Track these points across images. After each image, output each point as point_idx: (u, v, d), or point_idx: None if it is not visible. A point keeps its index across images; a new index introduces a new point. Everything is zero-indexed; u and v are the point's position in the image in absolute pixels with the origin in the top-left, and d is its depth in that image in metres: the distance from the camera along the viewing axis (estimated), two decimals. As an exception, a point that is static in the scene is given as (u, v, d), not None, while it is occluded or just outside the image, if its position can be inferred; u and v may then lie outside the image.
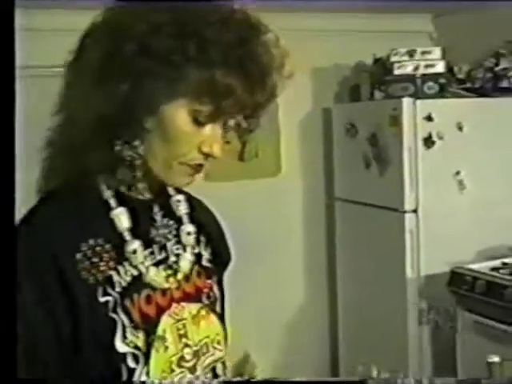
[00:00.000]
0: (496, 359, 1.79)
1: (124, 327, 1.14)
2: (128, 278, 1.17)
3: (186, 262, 1.28)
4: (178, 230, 1.29)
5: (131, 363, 1.14)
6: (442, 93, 3.74)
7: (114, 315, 1.14)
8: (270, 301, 4.31)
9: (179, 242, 1.28)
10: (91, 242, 1.14)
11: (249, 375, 4.25)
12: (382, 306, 3.89)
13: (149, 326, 1.17)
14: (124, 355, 1.13)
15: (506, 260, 3.45)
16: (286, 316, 4.47)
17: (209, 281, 1.35)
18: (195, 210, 1.37)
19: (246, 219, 4.21)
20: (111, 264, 1.16)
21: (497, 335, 3.04)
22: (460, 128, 3.64)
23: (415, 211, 3.64)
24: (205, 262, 1.35)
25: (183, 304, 1.24)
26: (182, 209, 1.33)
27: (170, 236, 1.27)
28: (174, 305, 1.22)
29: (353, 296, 4.25)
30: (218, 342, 1.30)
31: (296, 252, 4.51)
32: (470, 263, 3.46)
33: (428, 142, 3.61)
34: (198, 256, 1.33)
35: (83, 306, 1.11)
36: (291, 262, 4.48)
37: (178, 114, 1.12)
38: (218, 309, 1.37)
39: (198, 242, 1.34)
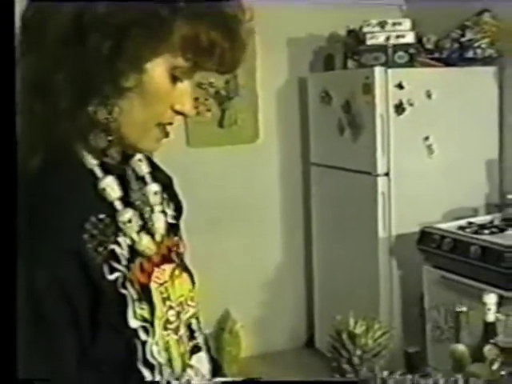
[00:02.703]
0: (463, 308, 2.00)
1: (133, 301, 1.10)
2: (126, 250, 1.12)
3: (160, 222, 1.22)
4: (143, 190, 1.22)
5: (143, 336, 1.11)
6: (411, 62, 3.91)
7: (123, 291, 1.10)
8: (249, 260, 4.53)
9: (147, 202, 1.21)
10: (93, 219, 1.08)
11: (229, 330, 4.44)
12: (355, 264, 4.09)
13: (147, 296, 1.13)
14: (135, 330, 1.11)
15: (472, 220, 3.64)
16: (265, 274, 4.66)
17: (176, 238, 1.28)
18: (155, 168, 1.29)
19: (225, 183, 4.40)
20: (112, 238, 1.10)
21: (462, 289, 3.23)
22: (429, 96, 3.81)
23: (387, 174, 3.82)
24: (170, 219, 1.28)
25: (162, 267, 1.19)
26: (144, 168, 1.25)
27: (144, 198, 1.21)
28: (156, 269, 1.17)
29: (327, 255, 4.44)
30: (192, 299, 1.26)
31: (274, 214, 4.68)
32: (439, 223, 3.66)
33: (399, 108, 3.78)
34: (164, 214, 1.25)
35: (98, 288, 1.06)
36: (269, 223, 4.66)
37: (158, 70, 1.07)
38: (185, 265, 1.30)
39: (162, 199, 1.26)
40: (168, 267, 1.21)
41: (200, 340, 1.26)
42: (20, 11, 1.05)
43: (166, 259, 1.21)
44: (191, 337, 1.24)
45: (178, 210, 1.34)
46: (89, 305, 1.05)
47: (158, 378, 1.13)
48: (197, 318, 1.26)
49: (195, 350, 1.24)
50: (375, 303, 3.88)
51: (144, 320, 1.12)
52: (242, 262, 4.49)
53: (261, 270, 4.63)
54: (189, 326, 1.23)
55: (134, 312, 1.10)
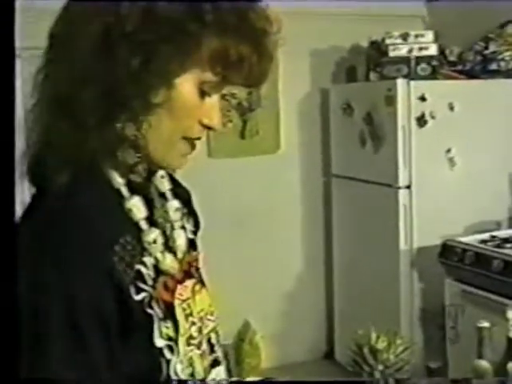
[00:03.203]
0: (486, 324, 1.98)
1: (159, 320, 1.10)
2: (152, 270, 1.11)
3: (181, 239, 1.21)
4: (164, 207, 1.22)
5: (168, 355, 1.11)
6: (434, 74, 3.91)
7: (150, 310, 1.09)
8: (269, 270, 4.52)
9: (168, 219, 1.21)
10: (121, 240, 1.07)
11: (249, 341, 4.44)
12: (376, 276, 4.07)
13: (171, 314, 1.13)
14: (161, 349, 1.10)
15: (494, 233, 3.61)
16: (285, 284, 4.66)
17: (195, 253, 1.28)
18: (176, 185, 1.29)
19: (246, 193, 4.40)
20: (138, 258, 1.09)
21: (483, 303, 3.22)
22: (451, 108, 3.79)
23: (408, 187, 3.80)
24: (190, 235, 1.27)
25: (185, 284, 1.19)
26: (166, 185, 1.24)
27: (165, 216, 1.20)
28: (179, 286, 1.16)
29: (348, 266, 4.43)
30: (211, 313, 1.26)
31: (294, 225, 4.68)
32: (460, 236, 3.63)
33: (421, 121, 3.77)
34: (184, 230, 1.24)
35: (126, 308, 1.06)
36: (290, 235, 4.65)
37: (187, 85, 1.06)
38: (203, 279, 1.29)
39: (182, 215, 1.25)
40: (189, 283, 1.21)
41: (219, 354, 1.26)
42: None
43: (187, 275, 1.21)
44: (211, 351, 1.24)
45: (196, 224, 1.33)
46: (119, 325, 1.04)
47: None
48: (216, 332, 1.26)
49: (215, 363, 1.24)
50: (396, 315, 3.86)
51: (169, 339, 1.11)
52: (263, 272, 4.49)
53: (281, 281, 4.62)
54: (208, 340, 1.23)
55: (160, 331, 1.10)
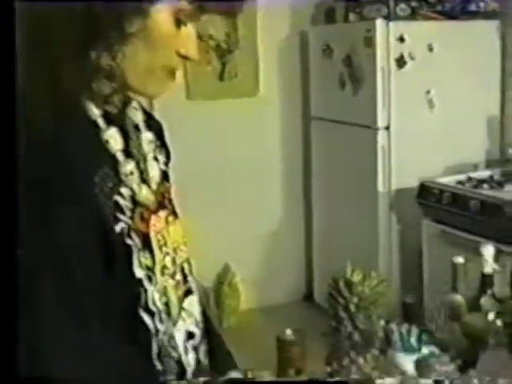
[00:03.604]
0: (461, 260, 2.01)
1: (138, 251, 1.13)
2: (129, 201, 1.13)
3: (154, 170, 1.23)
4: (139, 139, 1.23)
5: (147, 284, 1.14)
6: (413, 15, 3.87)
7: (129, 241, 1.11)
8: (249, 215, 4.53)
9: (142, 151, 1.22)
10: (100, 172, 1.08)
11: (228, 283, 4.47)
12: (355, 219, 4.11)
13: (148, 244, 1.15)
14: (140, 279, 1.13)
15: (471, 174, 3.64)
16: (265, 229, 4.67)
17: (167, 184, 1.29)
18: (148, 116, 1.29)
19: (225, 136, 4.38)
20: (116, 189, 1.11)
21: (460, 243, 3.25)
22: (430, 49, 3.78)
23: (387, 128, 3.81)
24: (162, 166, 1.28)
25: (159, 214, 1.21)
26: (140, 116, 1.25)
27: (139, 147, 1.21)
28: (153, 216, 1.18)
29: (327, 210, 4.45)
30: (184, 244, 1.27)
31: (274, 168, 4.68)
32: (439, 178, 3.66)
33: (400, 62, 3.75)
34: (157, 161, 1.26)
35: (108, 240, 1.08)
36: (269, 177, 4.66)
37: (162, 14, 1.06)
38: (176, 211, 1.30)
39: (155, 147, 1.27)
40: (163, 214, 1.22)
41: (192, 284, 1.28)
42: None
43: (161, 206, 1.23)
44: (184, 281, 1.26)
45: (168, 156, 1.33)
46: (101, 257, 1.06)
47: (158, 325, 1.16)
48: (189, 263, 1.28)
49: (188, 293, 1.26)
50: (374, 257, 3.89)
51: (147, 268, 1.14)
52: (243, 216, 4.49)
53: (261, 224, 4.63)
54: (181, 271, 1.25)
55: (139, 261, 1.12)
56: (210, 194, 4.30)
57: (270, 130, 4.61)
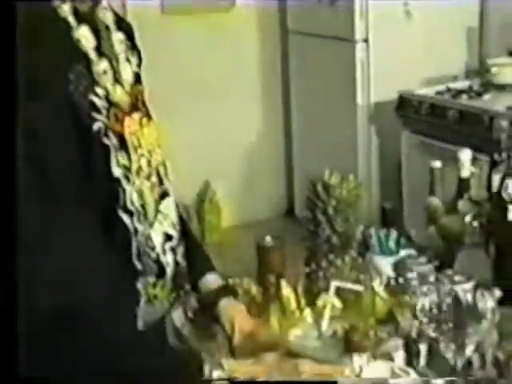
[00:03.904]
0: (438, 164, 2.02)
1: (116, 150, 1.15)
2: (104, 101, 1.16)
3: (127, 71, 1.25)
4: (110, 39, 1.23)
5: (124, 184, 1.17)
6: None
7: (106, 141, 1.14)
8: (228, 130, 4.48)
9: (113, 51, 1.23)
10: (74, 69, 1.10)
11: (209, 200, 4.48)
12: (334, 132, 4.08)
13: (124, 146, 1.18)
14: (118, 178, 1.16)
15: (451, 85, 3.62)
16: (245, 145, 4.65)
17: (140, 87, 1.30)
18: (118, 18, 1.29)
19: (203, 51, 4.31)
20: (91, 89, 1.13)
21: (439, 153, 3.25)
22: (409, -42, 3.71)
23: (365, 41, 3.76)
24: (135, 68, 1.29)
25: (133, 116, 1.23)
26: (110, 17, 1.24)
27: (112, 49, 1.22)
28: (127, 118, 1.21)
29: (306, 124, 4.42)
30: (159, 147, 1.30)
31: (253, 82, 4.62)
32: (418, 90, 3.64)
33: (377, -29, 3.68)
34: (129, 63, 1.27)
35: (86, 139, 1.10)
36: (248, 92, 4.60)
37: None
38: (150, 113, 1.32)
39: (126, 48, 1.28)
40: (137, 116, 1.25)
41: (168, 186, 1.30)
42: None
43: (134, 108, 1.25)
44: (160, 183, 1.27)
45: (140, 58, 1.34)
46: (80, 156, 1.09)
47: (136, 224, 1.19)
48: (164, 165, 1.30)
49: (164, 196, 1.28)
50: (354, 170, 3.88)
51: (125, 168, 1.17)
52: (222, 131, 4.45)
53: (241, 139, 4.60)
54: (157, 173, 1.27)
55: (117, 160, 1.16)
56: (185, 109, 4.25)
57: (247, 43, 4.53)
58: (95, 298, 1.05)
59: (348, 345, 1.21)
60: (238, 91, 4.53)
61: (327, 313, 1.24)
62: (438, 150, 3.27)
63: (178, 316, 1.72)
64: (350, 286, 1.35)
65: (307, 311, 1.33)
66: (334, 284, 1.28)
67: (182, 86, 4.22)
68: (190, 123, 4.23)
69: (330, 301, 1.26)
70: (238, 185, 4.65)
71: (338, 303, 1.27)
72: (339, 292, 1.35)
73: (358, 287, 1.41)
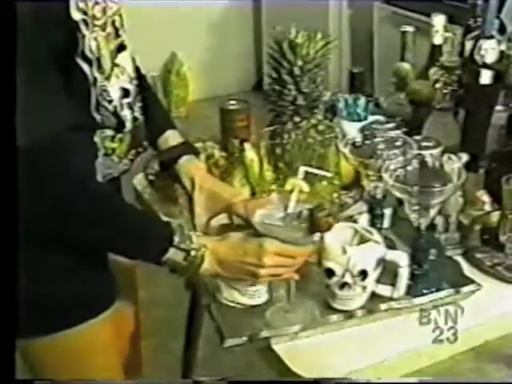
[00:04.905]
0: (409, 29, 1.95)
1: None
2: None
3: None
4: None
5: (83, 30, 1.11)
6: None
7: None
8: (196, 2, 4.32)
9: None
10: None
11: (176, 72, 4.37)
12: (305, 6, 3.93)
13: None
14: (77, 23, 1.10)
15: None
16: (212, 16, 4.52)
17: None
18: None
19: None
20: None
21: (412, 23, 3.16)
22: None
23: None
24: None
25: None
26: None
27: None
28: None
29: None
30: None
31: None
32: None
33: None
34: None
35: None
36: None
37: None
38: None
39: None
40: None
41: (125, 38, 1.23)
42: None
43: None
44: (116, 35, 1.21)
45: None
46: None
47: (95, 73, 1.14)
48: (120, 16, 1.23)
49: (120, 48, 1.21)
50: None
51: (84, 13, 1.10)
52: (189, 3, 4.28)
53: (208, 12, 4.46)
54: (113, 24, 1.20)
55: (76, 4, 1.09)
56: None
57: None
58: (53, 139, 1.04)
59: (313, 225, 1.18)
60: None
61: (294, 195, 1.20)
62: (410, 20, 3.17)
63: (138, 180, 1.69)
64: (318, 171, 1.31)
65: (274, 194, 1.29)
66: (302, 169, 1.24)
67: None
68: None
69: (297, 184, 1.22)
70: (205, 56, 4.54)
71: (305, 187, 1.23)
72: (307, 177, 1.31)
73: (327, 173, 1.37)
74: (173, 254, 1.14)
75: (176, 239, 1.13)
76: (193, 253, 1.14)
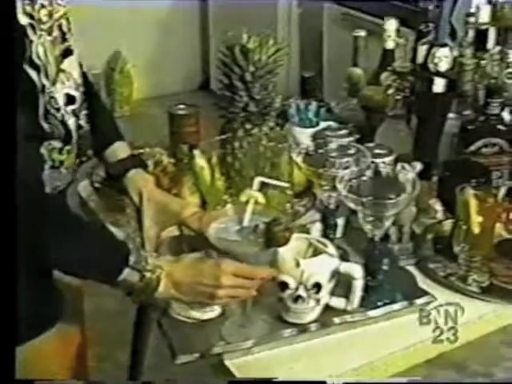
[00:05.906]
0: (362, 33, 1.92)
1: None
2: None
3: None
4: None
5: (31, 35, 1.10)
6: None
7: None
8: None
9: None
10: None
11: (120, 70, 4.29)
12: (254, 4, 3.92)
13: None
14: (24, 28, 1.08)
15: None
16: (158, 14, 4.44)
17: None
18: None
19: None
20: None
21: (364, 26, 3.15)
22: None
23: None
24: None
25: None
26: None
27: None
28: None
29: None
30: None
31: None
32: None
33: None
34: None
35: None
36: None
37: None
38: None
39: None
40: None
41: (71, 42, 1.20)
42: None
43: None
44: (63, 39, 1.18)
45: None
46: None
47: (43, 80, 1.11)
48: (67, 19, 1.19)
49: (66, 53, 1.18)
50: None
51: (31, 17, 1.09)
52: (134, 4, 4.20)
53: (154, 11, 4.37)
54: (59, 28, 1.17)
55: (23, 8, 1.07)
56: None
57: None
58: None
59: (269, 240, 1.14)
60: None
61: (249, 207, 1.16)
62: (361, 22, 3.17)
63: (83, 187, 1.62)
64: (274, 182, 1.28)
65: (229, 206, 1.26)
66: (258, 179, 1.21)
67: None
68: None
69: (253, 195, 1.18)
70: (149, 53, 4.46)
71: (261, 199, 1.20)
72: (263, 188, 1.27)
73: (283, 184, 1.34)
74: (128, 274, 1.09)
75: (131, 259, 1.09)
76: (148, 274, 1.09)
